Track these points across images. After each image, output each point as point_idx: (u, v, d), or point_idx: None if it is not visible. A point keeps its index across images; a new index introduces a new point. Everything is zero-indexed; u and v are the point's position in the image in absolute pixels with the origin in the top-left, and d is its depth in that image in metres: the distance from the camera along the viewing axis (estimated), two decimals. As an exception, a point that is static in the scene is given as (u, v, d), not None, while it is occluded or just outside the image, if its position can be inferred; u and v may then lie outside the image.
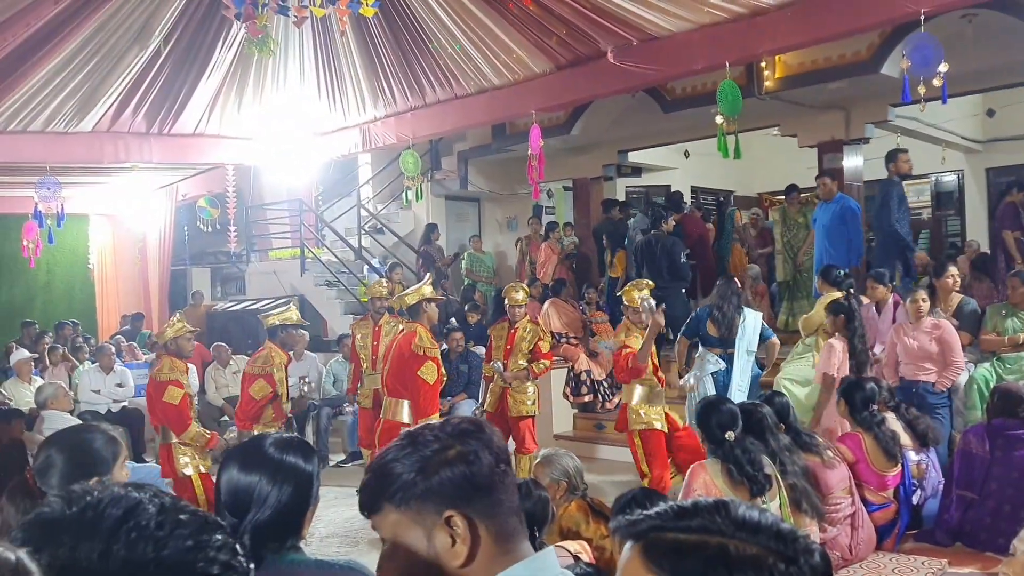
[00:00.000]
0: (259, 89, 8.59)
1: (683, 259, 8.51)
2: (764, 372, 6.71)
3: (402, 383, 5.38)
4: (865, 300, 6.80)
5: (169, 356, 5.94)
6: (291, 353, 6.07)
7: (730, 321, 6.34)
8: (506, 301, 6.96)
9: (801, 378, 6.58)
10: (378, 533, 1.26)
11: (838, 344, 5.81)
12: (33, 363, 9.11)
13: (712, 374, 6.34)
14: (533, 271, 10.99)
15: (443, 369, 5.76)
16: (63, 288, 13.30)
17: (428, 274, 8.48)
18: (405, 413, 5.36)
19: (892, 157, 7.53)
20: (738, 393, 6.19)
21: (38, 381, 8.20)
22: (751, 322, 6.42)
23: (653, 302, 6.09)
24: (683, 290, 8.65)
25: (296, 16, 5.38)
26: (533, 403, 6.79)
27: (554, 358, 7.17)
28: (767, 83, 8.17)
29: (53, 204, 8.85)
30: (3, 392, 7.28)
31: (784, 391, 5.86)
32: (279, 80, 8.47)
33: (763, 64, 8.03)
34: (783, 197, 12.50)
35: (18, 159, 8.61)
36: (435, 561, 1.20)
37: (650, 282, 6.41)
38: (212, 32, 7.34)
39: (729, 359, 6.35)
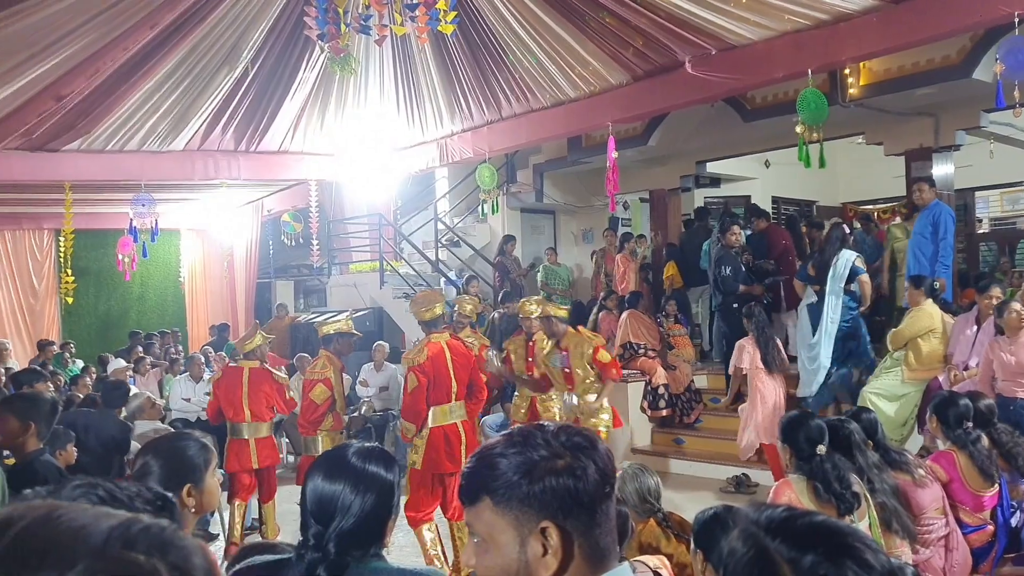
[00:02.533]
0: (341, 107, 8.83)
1: (727, 272, 8.28)
2: (862, 307, 7.08)
3: (467, 387, 5.68)
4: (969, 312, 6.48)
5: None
6: (343, 361, 6.26)
7: (826, 261, 7.01)
8: (520, 315, 6.97)
9: (889, 393, 6.38)
10: (471, 528, 1.27)
11: (747, 343, 6.65)
12: (130, 371, 9.50)
13: (807, 306, 6.99)
14: (609, 283, 10.92)
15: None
16: (156, 300, 13.90)
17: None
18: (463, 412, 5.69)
19: None
20: (830, 325, 6.87)
21: (133, 389, 8.54)
22: (843, 261, 6.95)
23: (493, 354, 6.99)
24: (734, 304, 8.18)
25: (377, 34, 5.49)
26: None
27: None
28: (852, 90, 7.93)
29: (147, 220, 9.27)
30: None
31: (871, 406, 5.67)
32: (360, 98, 8.68)
33: (847, 71, 7.81)
34: (871, 208, 11.90)
35: (115, 176, 9.06)
36: (524, 567, 1.20)
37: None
38: (296, 53, 7.58)
39: (821, 295, 6.98)
